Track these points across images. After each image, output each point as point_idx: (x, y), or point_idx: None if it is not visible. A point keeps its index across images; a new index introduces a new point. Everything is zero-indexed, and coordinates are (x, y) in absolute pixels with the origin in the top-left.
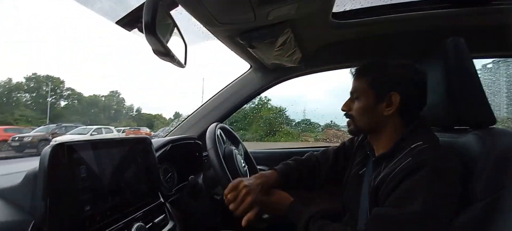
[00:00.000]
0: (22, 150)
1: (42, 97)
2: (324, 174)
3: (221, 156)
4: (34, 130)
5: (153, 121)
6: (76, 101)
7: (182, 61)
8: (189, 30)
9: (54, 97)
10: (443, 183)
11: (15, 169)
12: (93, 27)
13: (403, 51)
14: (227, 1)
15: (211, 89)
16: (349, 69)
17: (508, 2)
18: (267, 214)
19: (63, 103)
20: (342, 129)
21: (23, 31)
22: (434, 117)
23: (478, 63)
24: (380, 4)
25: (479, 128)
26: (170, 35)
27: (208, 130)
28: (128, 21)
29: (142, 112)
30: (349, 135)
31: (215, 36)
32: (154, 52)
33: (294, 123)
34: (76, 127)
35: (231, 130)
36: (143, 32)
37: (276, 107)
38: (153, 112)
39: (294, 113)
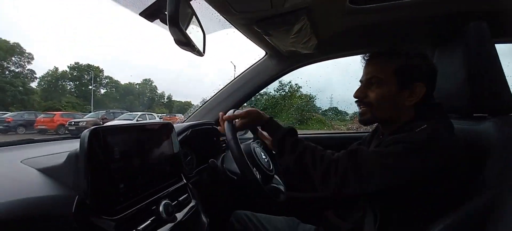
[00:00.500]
0: (78, 133)
1: (84, 85)
2: None
3: (239, 144)
4: (86, 116)
5: (184, 108)
6: (113, 89)
7: (201, 49)
8: (207, 18)
9: (94, 85)
10: (417, 159)
11: (59, 149)
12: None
13: (421, 37)
14: None
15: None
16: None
17: None
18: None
19: (102, 90)
20: None
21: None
22: (452, 104)
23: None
24: None
25: (498, 114)
26: (191, 25)
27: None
28: (151, 13)
29: (172, 99)
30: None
31: (231, 24)
32: (176, 42)
33: (320, 111)
34: (122, 113)
35: None
36: (166, 24)
37: (306, 95)
38: (183, 100)
39: (321, 101)
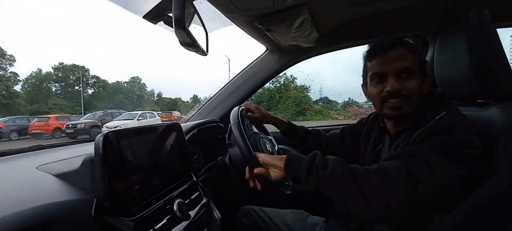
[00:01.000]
0: (76, 136)
1: (70, 86)
2: (326, 148)
3: (247, 139)
4: (83, 117)
5: (175, 105)
6: (101, 88)
7: (205, 49)
8: (208, 16)
9: (80, 85)
10: (450, 154)
11: (69, 154)
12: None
13: (422, 25)
14: None
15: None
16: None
17: None
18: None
19: (90, 91)
20: (363, 106)
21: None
22: (456, 91)
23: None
24: None
25: (503, 100)
26: (194, 25)
27: (231, 114)
28: (154, 15)
29: (162, 96)
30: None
31: (233, 22)
32: (181, 44)
33: (312, 101)
34: (120, 113)
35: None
36: (170, 26)
37: (302, 86)
38: (173, 96)
39: (311, 92)
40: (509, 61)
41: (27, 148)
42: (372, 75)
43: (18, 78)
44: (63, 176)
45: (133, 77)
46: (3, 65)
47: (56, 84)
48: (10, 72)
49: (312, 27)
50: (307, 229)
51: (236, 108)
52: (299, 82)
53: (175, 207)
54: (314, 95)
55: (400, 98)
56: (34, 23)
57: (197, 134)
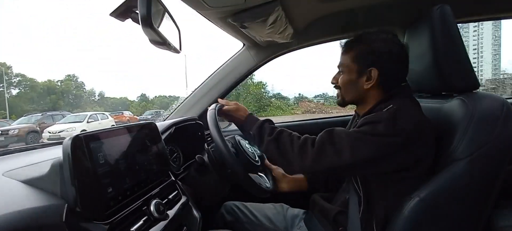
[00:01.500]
0: (7, 144)
1: None
2: None
3: (225, 140)
4: (14, 122)
5: (122, 104)
6: (28, 88)
7: (177, 47)
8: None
9: (1, 85)
10: (382, 137)
11: (38, 158)
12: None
13: (393, 21)
14: None
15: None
16: (338, 42)
17: None
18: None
19: (14, 91)
20: (313, 100)
21: None
22: (422, 84)
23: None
24: None
25: (464, 92)
26: (164, 22)
27: (208, 114)
28: (121, 12)
29: (105, 96)
30: (322, 106)
31: (206, 18)
32: (151, 42)
33: (266, 96)
34: (64, 115)
35: None
36: (138, 23)
37: (259, 82)
38: (118, 96)
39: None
40: (473, 53)
41: None
42: None
43: None
44: (31, 182)
45: (69, 75)
46: None
47: None
48: None
49: (287, 24)
50: (287, 221)
51: (212, 107)
52: (255, 78)
53: (152, 208)
54: (267, 90)
55: (338, 90)
56: None
57: (175, 133)
